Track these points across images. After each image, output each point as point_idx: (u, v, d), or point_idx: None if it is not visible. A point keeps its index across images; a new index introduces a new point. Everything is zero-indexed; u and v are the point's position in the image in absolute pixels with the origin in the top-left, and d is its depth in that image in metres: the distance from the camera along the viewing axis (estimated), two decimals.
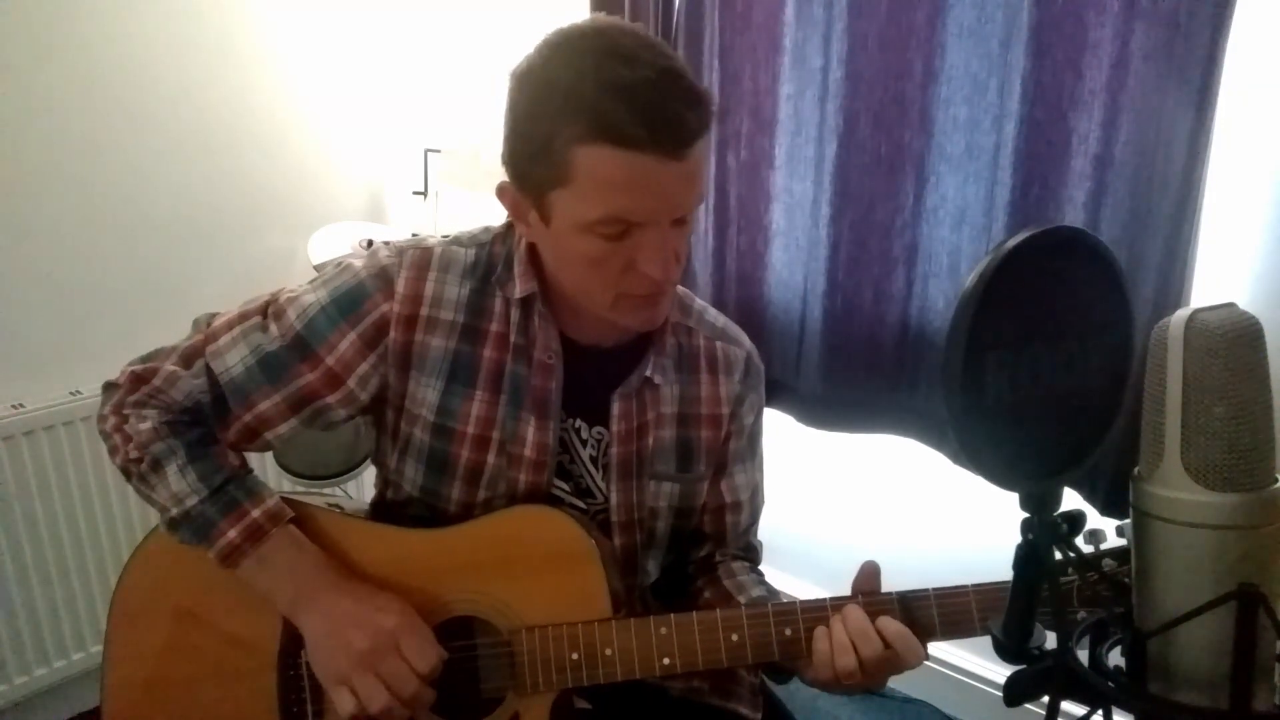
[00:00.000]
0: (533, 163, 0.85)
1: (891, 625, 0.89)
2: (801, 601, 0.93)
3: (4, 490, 1.76)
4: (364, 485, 2.16)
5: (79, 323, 1.91)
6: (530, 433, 0.99)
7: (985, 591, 0.90)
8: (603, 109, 0.79)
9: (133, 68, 1.92)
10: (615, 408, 1.02)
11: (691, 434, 1.07)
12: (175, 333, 1.03)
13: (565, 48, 0.84)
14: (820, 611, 0.92)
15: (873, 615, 0.90)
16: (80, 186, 1.88)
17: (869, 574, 0.95)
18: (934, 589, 0.91)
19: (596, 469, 1.04)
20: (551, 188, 0.85)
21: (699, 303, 1.11)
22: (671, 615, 0.93)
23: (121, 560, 1.92)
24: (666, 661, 0.93)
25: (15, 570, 1.80)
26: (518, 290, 0.98)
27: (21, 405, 1.80)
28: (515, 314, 0.99)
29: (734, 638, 0.92)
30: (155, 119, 1.97)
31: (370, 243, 2.04)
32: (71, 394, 1.86)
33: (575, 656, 0.93)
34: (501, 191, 0.92)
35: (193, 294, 2.05)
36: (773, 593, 1.08)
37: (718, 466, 1.10)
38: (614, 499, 1.03)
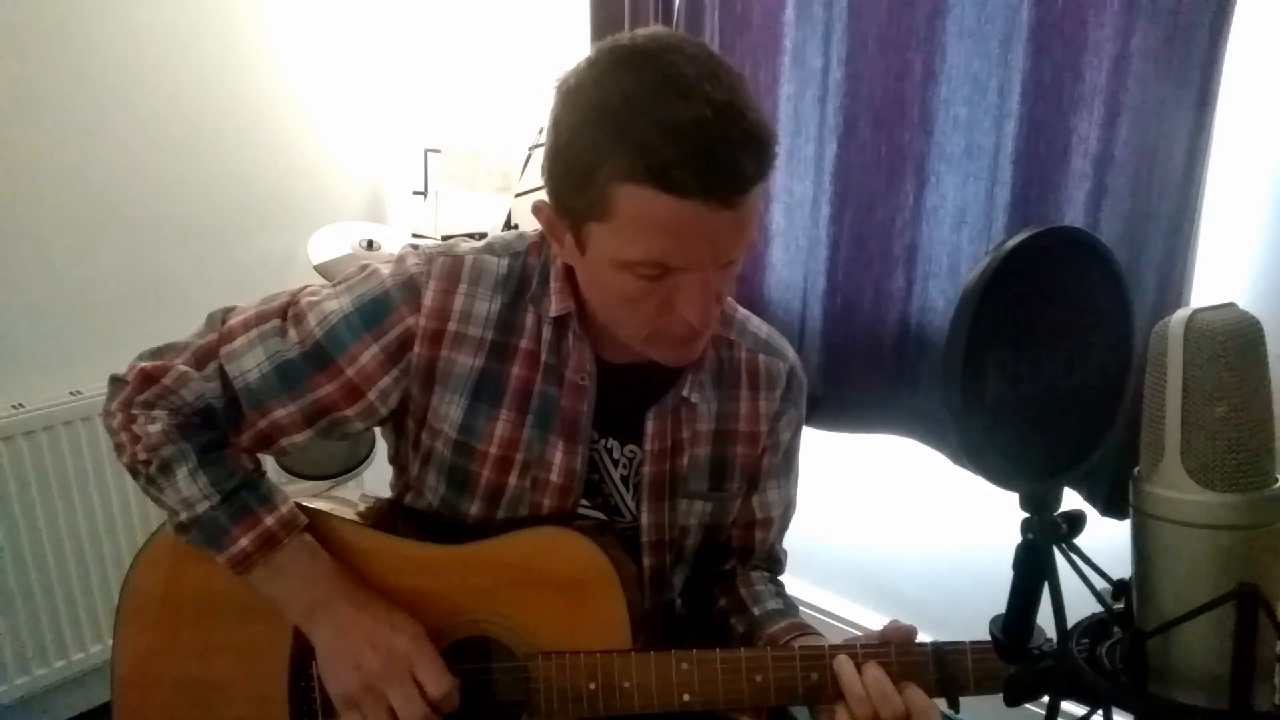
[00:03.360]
0: (573, 190, 0.80)
1: (909, 690, 0.86)
2: (830, 646, 0.91)
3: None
4: (364, 485, 2.16)
5: (79, 323, 1.91)
6: (558, 457, 0.96)
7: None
8: (652, 148, 0.73)
9: (132, 67, 1.92)
10: (650, 426, 0.98)
11: (727, 451, 1.03)
12: (176, 333, 1.00)
13: (619, 68, 0.77)
14: (849, 658, 0.89)
15: (902, 671, 0.87)
16: (80, 186, 1.88)
17: (904, 633, 0.92)
18: (970, 642, 0.88)
19: (627, 488, 1.01)
20: (589, 220, 0.80)
21: (741, 312, 1.07)
22: (694, 651, 0.91)
23: (122, 560, 1.93)
24: (686, 698, 0.90)
25: (15, 570, 1.80)
26: (553, 309, 0.93)
27: (21, 405, 1.80)
28: (548, 331, 0.94)
29: (758, 679, 0.89)
30: (155, 119, 1.97)
31: (370, 243, 2.03)
32: (71, 394, 1.86)
33: (592, 686, 0.91)
34: (537, 210, 0.88)
35: (193, 294, 2.05)
36: (789, 605, 1.05)
37: (750, 482, 1.07)
38: (645, 519, 1.00)
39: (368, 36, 2.33)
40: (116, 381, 0.96)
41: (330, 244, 2.01)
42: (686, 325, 0.83)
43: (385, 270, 0.95)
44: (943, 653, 0.88)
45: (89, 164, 1.89)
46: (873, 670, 0.87)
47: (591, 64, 0.80)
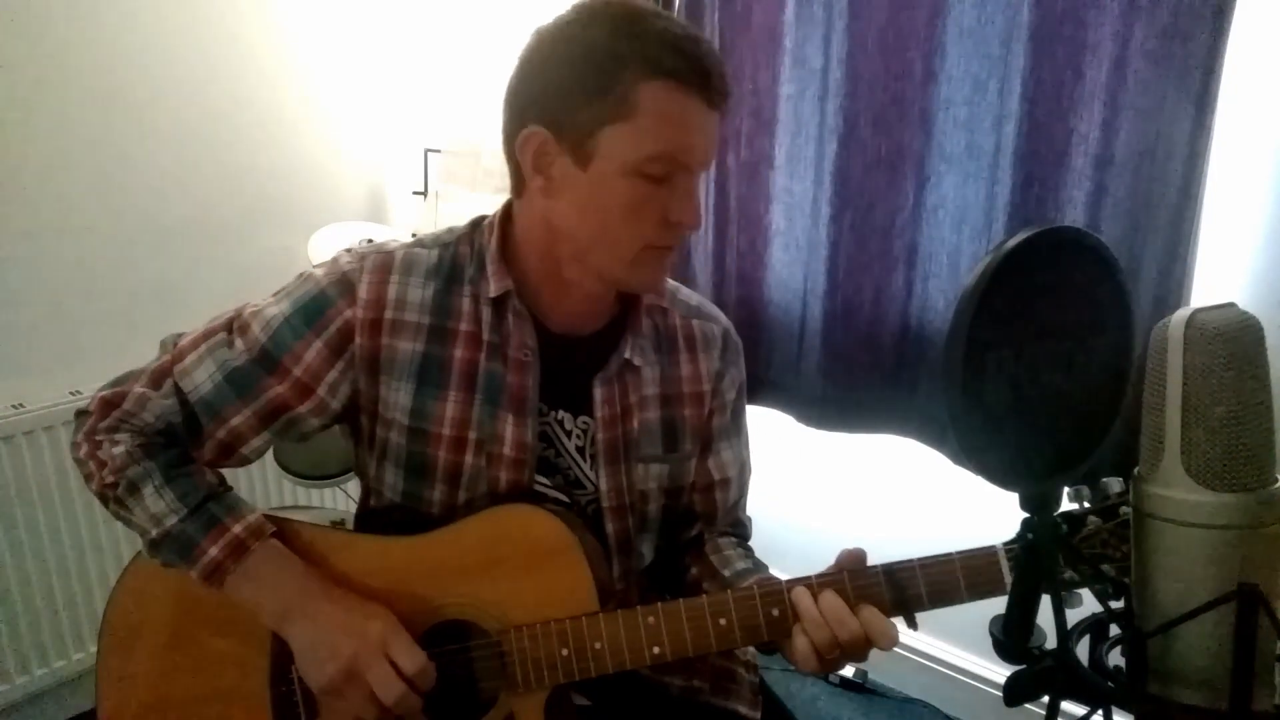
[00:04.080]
0: (587, 101, 0.87)
1: (864, 610, 0.88)
2: (788, 581, 0.93)
3: None
4: None
5: (79, 323, 1.91)
6: (509, 431, 0.99)
7: (970, 557, 0.88)
8: (665, 51, 0.86)
9: (132, 68, 1.92)
10: (598, 394, 1.01)
11: (675, 413, 1.07)
12: (175, 333, 1.02)
13: (607, 11, 0.89)
14: (806, 589, 0.91)
15: (857, 594, 0.89)
16: (80, 187, 1.88)
17: (855, 557, 0.94)
18: (919, 559, 0.90)
19: (584, 458, 1.04)
20: (606, 124, 0.87)
21: (671, 283, 1.12)
22: (659, 605, 0.93)
23: (122, 560, 1.93)
24: (656, 650, 0.92)
25: (15, 570, 1.80)
26: (492, 289, 0.97)
27: (21, 405, 1.80)
28: (486, 312, 0.98)
29: (722, 622, 0.92)
30: (155, 119, 1.97)
31: (370, 243, 2.03)
32: (71, 394, 1.86)
33: (565, 652, 0.93)
34: (526, 140, 0.91)
35: (193, 294, 2.05)
36: (758, 564, 1.07)
37: (703, 444, 1.10)
38: (603, 485, 1.03)
39: (368, 36, 2.33)
40: (81, 415, 1.00)
41: (330, 244, 2.01)
42: (678, 230, 0.93)
43: (319, 272, 0.99)
44: (893, 572, 0.90)
45: (89, 164, 1.89)
46: (828, 596, 0.89)
47: (577, 13, 0.90)
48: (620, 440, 1.03)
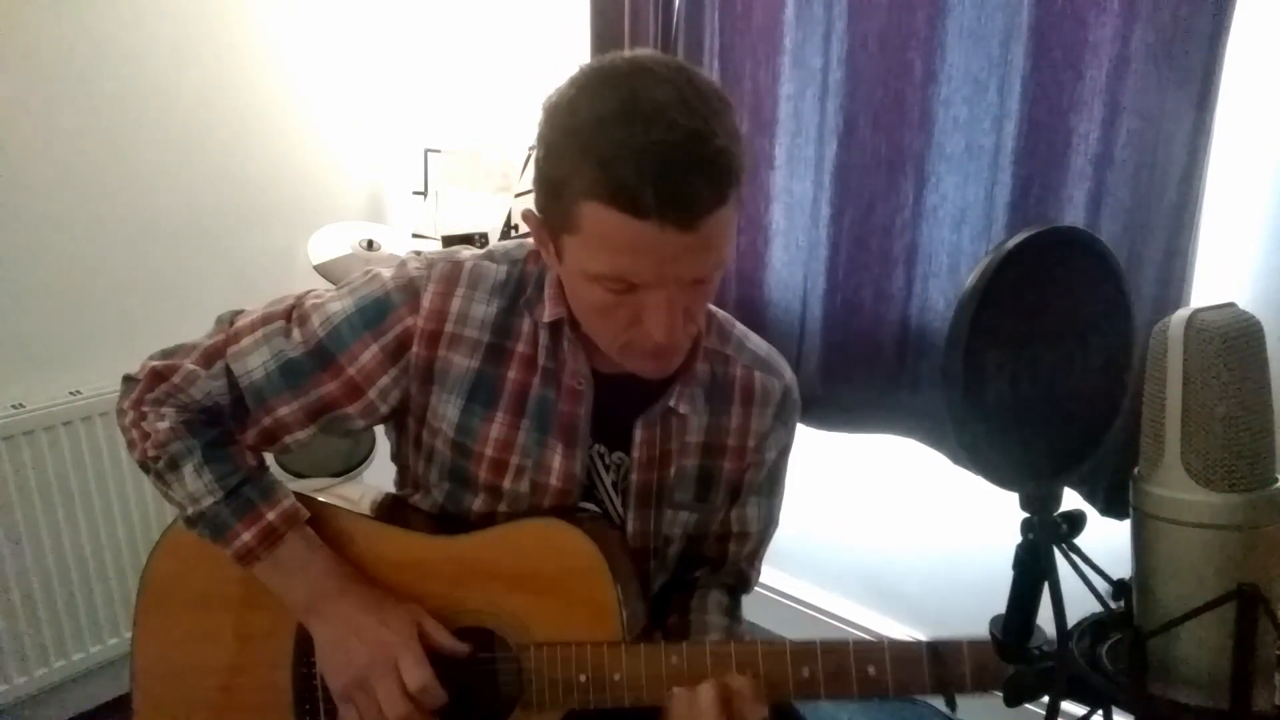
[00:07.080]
0: (549, 203, 0.83)
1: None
2: (821, 642, 0.91)
3: None
4: (365, 485, 2.17)
5: (79, 323, 1.91)
6: (557, 461, 0.98)
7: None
8: (612, 169, 0.74)
9: (133, 68, 1.92)
10: (638, 435, 0.99)
11: (715, 464, 1.04)
12: (175, 333, 1.02)
13: (594, 89, 0.79)
14: (841, 653, 0.89)
15: (897, 666, 0.87)
16: (80, 186, 1.88)
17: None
18: (967, 640, 0.86)
19: (616, 494, 1.02)
20: (562, 232, 0.82)
21: (740, 328, 1.07)
22: (684, 645, 0.92)
23: (122, 559, 1.93)
24: (676, 691, 0.90)
25: (15, 570, 1.80)
26: (547, 314, 0.95)
27: (21, 405, 1.80)
28: (544, 337, 0.96)
29: (747, 674, 0.90)
30: (155, 119, 1.97)
31: (370, 243, 2.03)
32: (71, 394, 1.86)
33: (583, 679, 0.92)
34: (526, 217, 0.90)
35: (193, 294, 2.05)
36: (735, 636, 1.05)
37: (733, 495, 1.08)
38: (630, 526, 1.01)
39: (367, 37, 2.33)
40: (129, 381, 0.99)
41: (330, 244, 2.01)
42: (654, 340, 0.84)
43: (387, 274, 0.97)
44: (937, 650, 0.87)
45: (89, 164, 1.89)
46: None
47: (572, 83, 0.81)
48: (654, 484, 1.01)
